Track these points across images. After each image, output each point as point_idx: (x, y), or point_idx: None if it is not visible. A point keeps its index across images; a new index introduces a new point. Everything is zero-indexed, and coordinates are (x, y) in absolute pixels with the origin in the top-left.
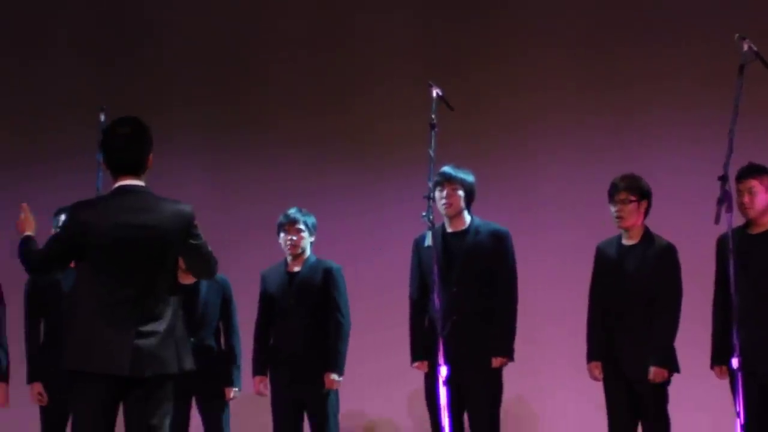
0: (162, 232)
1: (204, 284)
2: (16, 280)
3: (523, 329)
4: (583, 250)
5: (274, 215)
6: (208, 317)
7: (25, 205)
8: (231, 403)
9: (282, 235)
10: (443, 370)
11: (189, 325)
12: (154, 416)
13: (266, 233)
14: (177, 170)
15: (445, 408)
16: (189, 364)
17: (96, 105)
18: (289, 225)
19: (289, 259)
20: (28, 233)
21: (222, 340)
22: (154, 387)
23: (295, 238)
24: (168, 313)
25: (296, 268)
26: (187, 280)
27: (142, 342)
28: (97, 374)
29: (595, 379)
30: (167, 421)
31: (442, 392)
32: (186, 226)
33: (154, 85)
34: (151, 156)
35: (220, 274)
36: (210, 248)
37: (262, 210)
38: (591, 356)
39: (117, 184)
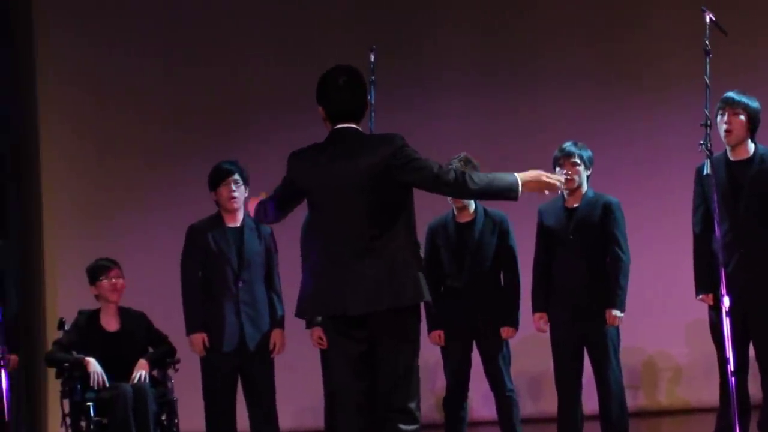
0: (368, 165)
1: (480, 221)
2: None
3: None
4: None
5: (549, 151)
6: (482, 254)
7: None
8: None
9: (557, 169)
10: (726, 301)
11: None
12: (396, 357)
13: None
14: (445, 109)
15: (729, 339)
16: (412, 298)
17: (366, 45)
18: (565, 159)
19: (565, 194)
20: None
21: (501, 278)
22: (386, 325)
23: (570, 172)
24: (389, 248)
25: (575, 204)
26: (462, 217)
27: (357, 280)
28: (327, 316)
29: None
30: (404, 359)
31: (726, 323)
32: (392, 152)
33: (421, 24)
34: (367, 101)
35: (497, 210)
36: (442, 168)
37: (534, 145)
38: None
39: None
